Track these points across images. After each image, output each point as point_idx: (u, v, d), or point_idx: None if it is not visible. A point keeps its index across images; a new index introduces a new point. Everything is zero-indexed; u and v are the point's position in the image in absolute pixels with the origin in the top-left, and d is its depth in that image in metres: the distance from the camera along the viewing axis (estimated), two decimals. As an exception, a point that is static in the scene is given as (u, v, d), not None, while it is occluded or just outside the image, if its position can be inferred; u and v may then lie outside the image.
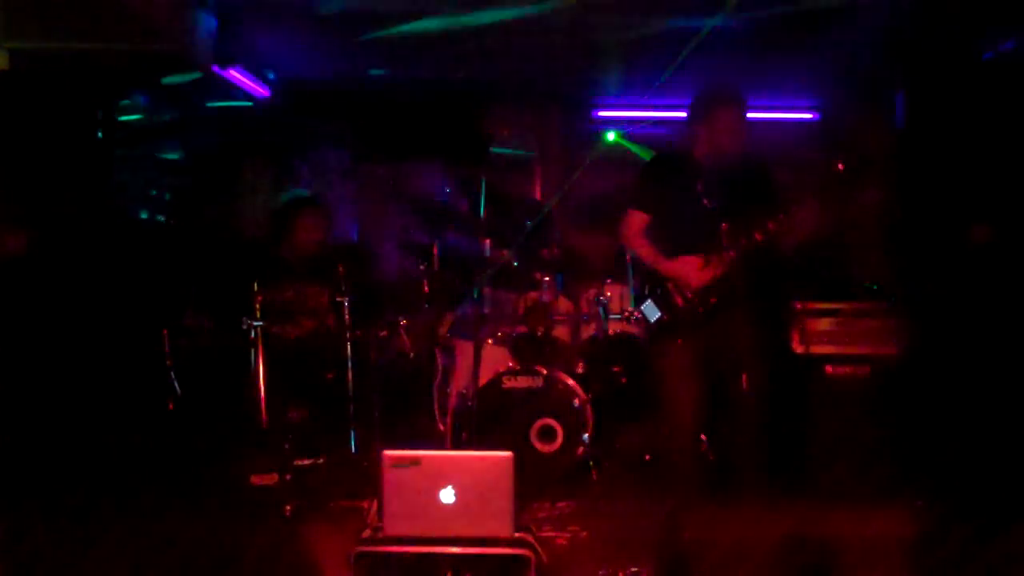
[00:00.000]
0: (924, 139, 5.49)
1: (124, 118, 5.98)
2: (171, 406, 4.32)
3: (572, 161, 6.62)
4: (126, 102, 5.87)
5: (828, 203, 3.51)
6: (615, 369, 4.96)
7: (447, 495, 2.70)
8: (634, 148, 6.36)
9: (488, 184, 3.67)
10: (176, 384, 4.30)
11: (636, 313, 4.56)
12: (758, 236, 3.49)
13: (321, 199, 5.09)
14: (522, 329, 4.85)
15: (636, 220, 3.83)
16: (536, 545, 2.72)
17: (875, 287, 4.63)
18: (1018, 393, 4.20)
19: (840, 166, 3.44)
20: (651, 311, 3.76)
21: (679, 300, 3.68)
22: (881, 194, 5.96)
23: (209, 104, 6.30)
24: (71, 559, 3.10)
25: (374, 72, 5.93)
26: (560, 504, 4.28)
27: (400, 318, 4.62)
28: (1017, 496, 3.65)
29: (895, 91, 5.74)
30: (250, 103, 6.06)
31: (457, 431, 4.55)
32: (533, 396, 4.57)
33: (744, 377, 3.44)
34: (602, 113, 6.64)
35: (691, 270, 3.61)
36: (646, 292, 3.81)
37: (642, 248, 3.80)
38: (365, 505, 3.81)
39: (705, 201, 3.67)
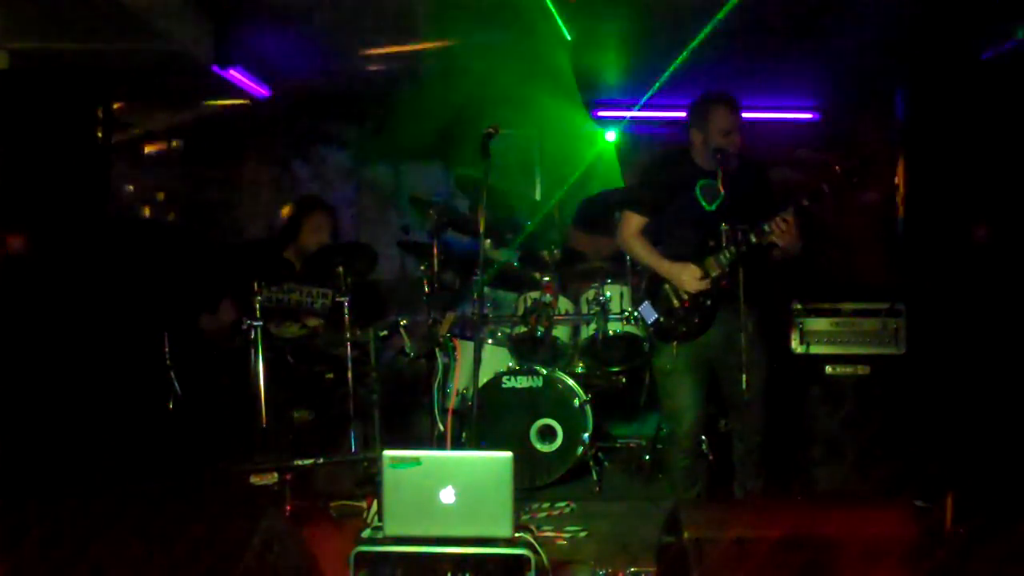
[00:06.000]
0: (924, 139, 5.49)
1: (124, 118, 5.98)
2: (171, 406, 4.32)
3: (572, 161, 6.63)
4: (126, 102, 5.87)
5: (825, 206, 3.51)
6: (615, 369, 4.96)
7: (447, 495, 2.70)
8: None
9: (488, 184, 3.66)
10: (176, 384, 4.30)
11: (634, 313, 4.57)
12: (754, 238, 3.49)
13: (326, 200, 5.09)
14: (522, 329, 4.85)
15: (633, 222, 3.83)
16: (536, 545, 2.72)
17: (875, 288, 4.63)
18: (1018, 393, 4.20)
19: (837, 168, 3.43)
20: (648, 312, 3.76)
21: (676, 302, 3.68)
22: (881, 194, 5.97)
23: (209, 104, 6.30)
24: (71, 559, 3.10)
25: (374, 72, 5.94)
26: (560, 504, 4.29)
27: (400, 318, 4.62)
28: (1017, 496, 3.65)
29: (895, 91, 5.73)
30: (250, 103, 6.06)
31: (457, 431, 4.55)
32: (533, 396, 4.57)
33: (744, 377, 3.44)
34: (602, 113, 6.64)
35: (688, 277, 3.61)
36: (644, 293, 3.80)
37: (640, 249, 3.80)
38: (365, 505, 3.82)
39: (703, 203, 3.67)
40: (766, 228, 3.47)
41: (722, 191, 3.59)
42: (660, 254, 3.73)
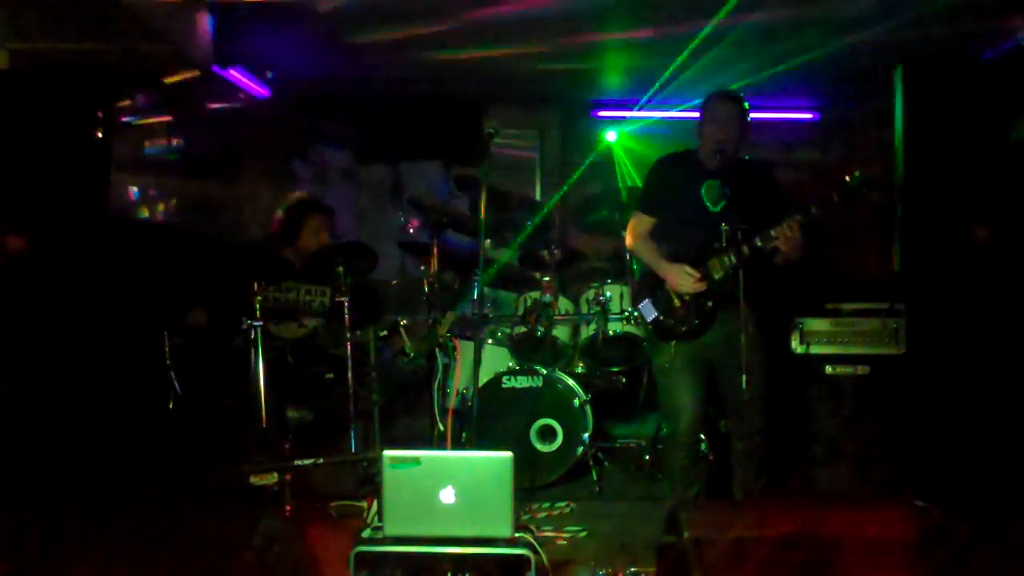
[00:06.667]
0: (924, 139, 5.49)
1: (124, 118, 5.98)
2: (171, 406, 4.32)
3: (572, 161, 6.64)
4: (126, 102, 5.87)
5: (831, 213, 3.51)
6: (615, 369, 4.96)
7: (447, 495, 2.70)
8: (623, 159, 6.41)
9: (488, 184, 3.66)
10: (176, 384, 4.30)
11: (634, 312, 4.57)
12: (759, 242, 3.48)
13: (325, 202, 5.09)
14: (522, 329, 4.85)
15: (642, 223, 3.83)
16: (536, 545, 2.72)
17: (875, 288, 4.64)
18: (1018, 393, 4.20)
19: (847, 178, 3.42)
20: (648, 311, 3.75)
21: (677, 302, 3.68)
22: (881, 195, 5.96)
23: (209, 104, 6.30)
24: (71, 559, 3.10)
25: (374, 72, 5.94)
26: (560, 504, 4.29)
27: (400, 318, 4.62)
28: (1017, 496, 3.65)
29: (895, 91, 5.73)
30: (250, 103, 6.06)
31: (457, 431, 4.55)
32: (533, 396, 4.57)
33: (744, 378, 3.43)
34: (602, 113, 6.65)
35: (683, 279, 3.61)
36: (644, 292, 3.80)
37: (644, 250, 3.80)
38: (365, 505, 3.81)
39: (707, 204, 3.67)
40: (773, 234, 3.47)
41: (725, 192, 3.59)
42: (662, 255, 3.73)
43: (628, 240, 3.90)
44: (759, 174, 3.79)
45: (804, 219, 3.45)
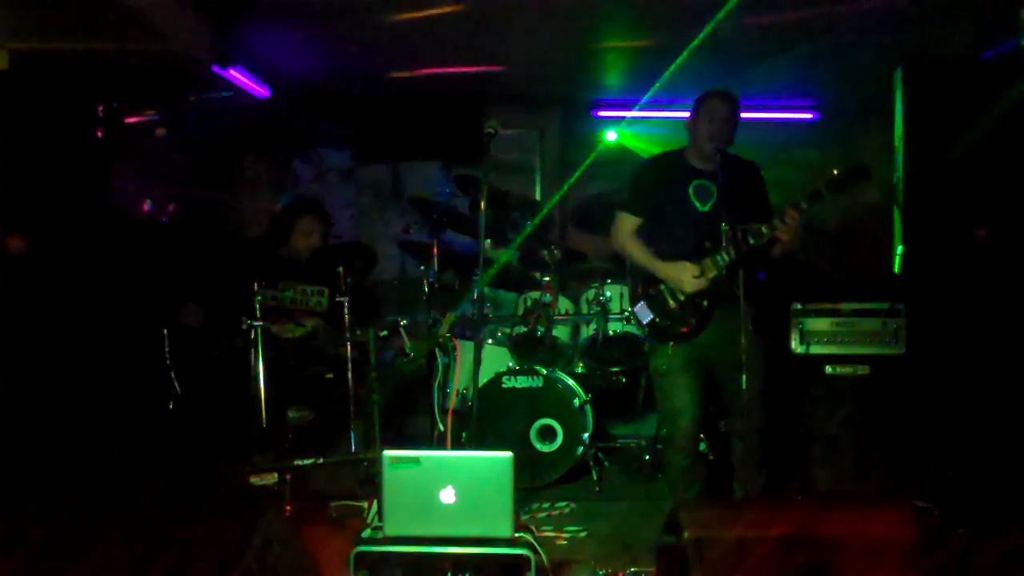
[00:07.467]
0: (924, 139, 5.49)
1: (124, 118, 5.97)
2: (171, 406, 4.32)
3: (572, 161, 6.64)
4: (126, 101, 5.86)
5: (821, 206, 3.53)
6: (615, 369, 4.96)
7: (447, 495, 2.70)
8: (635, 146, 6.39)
9: (488, 184, 3.67)
10: (176, 384, 4.30)
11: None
12: (752, 240, 3.49)
13: (319, 202, 5.08)
14: (522, 329, 4.85)
15: (627, 223, 3.83)
16: (536, 545, 2.72)
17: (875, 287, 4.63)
18: (1018, 393, 4.19)
19: (835, 172, 3.45)
20: (644, 313, 3.75)
21: (672, 303, 3.67)
22: (880, 195, 5.97)
23: (209, 104, 6.29)
24: (71, 559, 3.09)
25: (374, 72, 5.93)
26: (560, 504, 4.29)
27: (400, 318, 4.62)
28: (1017, 496, 3.65)
29: (895, 91, 5.73)
30: (250, 103, 6.05)
31: (457, 431, 4.55)
32: (533, 396, 4.57)
33: (743, 377, 3.43)
34: (602, 113, 6.65)
35: (686, 276, 3.60)
36: (639, 293, 3.80)
37: (635, 250, 3.79)
38: (365, 505, 3.82)
39: (696, 204, 3.67)
40: (764, 230, 3.49)
41: (715, 191, 3.60)
42: (655, 255, 3.73)
43: (616, 240, 3.89)
44: (747, 171, 3.80)
45: (799, 209, 3.47)
